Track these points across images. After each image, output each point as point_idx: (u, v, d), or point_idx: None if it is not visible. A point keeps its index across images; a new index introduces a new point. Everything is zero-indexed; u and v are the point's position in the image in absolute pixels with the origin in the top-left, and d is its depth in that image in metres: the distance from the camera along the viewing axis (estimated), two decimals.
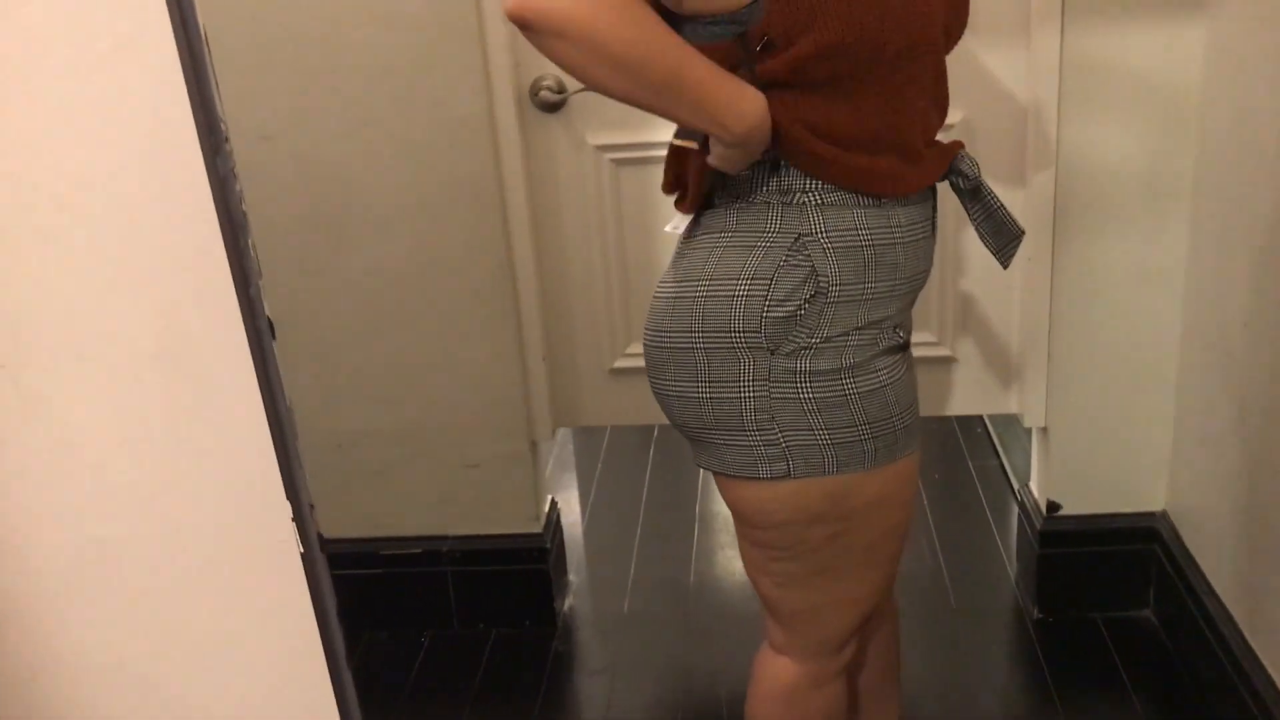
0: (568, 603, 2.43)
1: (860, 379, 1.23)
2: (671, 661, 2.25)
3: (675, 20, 1.17)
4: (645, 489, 2.91)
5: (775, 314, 1.21)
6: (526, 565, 2.32)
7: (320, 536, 0.65)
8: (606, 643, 2.32)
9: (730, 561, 2.57)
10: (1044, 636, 2.21)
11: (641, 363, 2.27)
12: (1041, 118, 1.95)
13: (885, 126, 1.21)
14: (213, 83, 0.56)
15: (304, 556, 0.63)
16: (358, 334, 2.17)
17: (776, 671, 1.45)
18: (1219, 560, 1.97)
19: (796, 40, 1.14)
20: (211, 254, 0.56)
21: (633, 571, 2.54)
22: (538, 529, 2.30)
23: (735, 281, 1.22)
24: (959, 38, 1.31)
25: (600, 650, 2.31)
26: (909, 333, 1.35)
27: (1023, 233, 1.37)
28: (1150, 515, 2.18)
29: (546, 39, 1.08)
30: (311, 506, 0.63)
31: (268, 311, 0.58)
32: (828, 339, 1.21)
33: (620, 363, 2.27)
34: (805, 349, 1.21)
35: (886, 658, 1.64)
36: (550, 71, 2.07)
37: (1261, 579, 1.80)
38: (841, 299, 1.21)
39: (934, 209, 1.33)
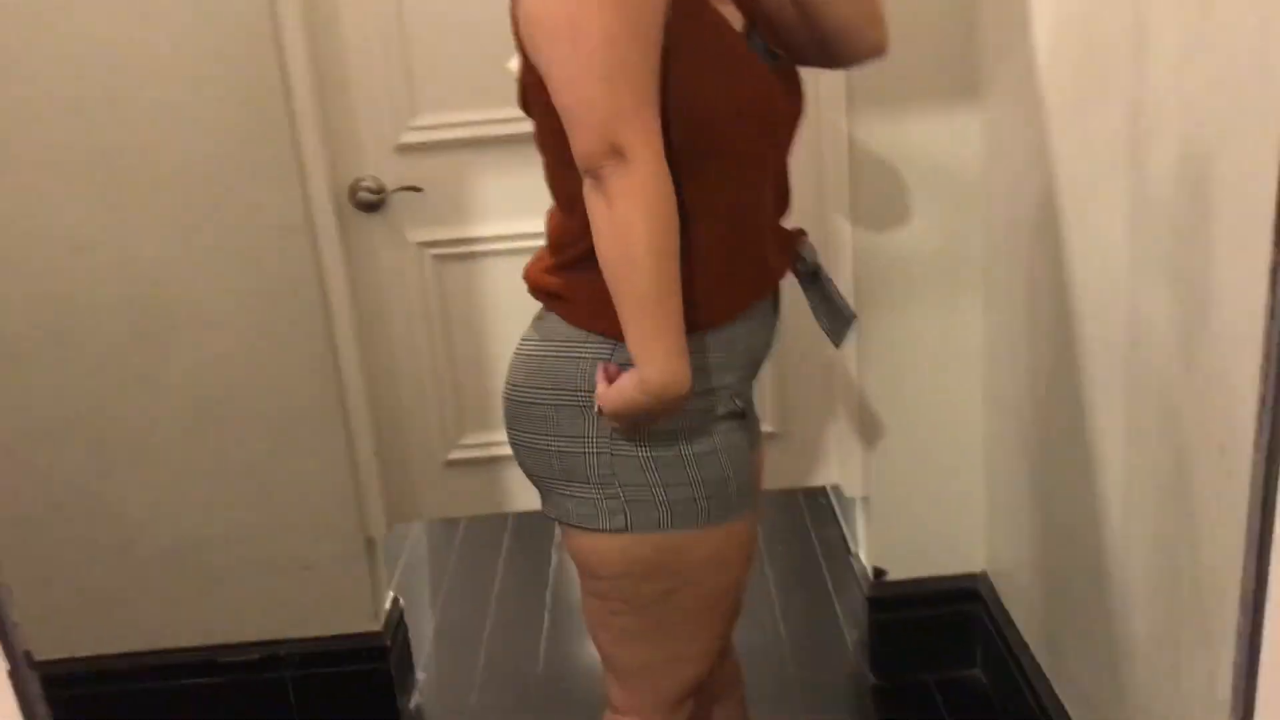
0: (414, 700, 2.40)
1: (696, 441, 1.29)
2: None
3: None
4: (497, 580, 2.90)
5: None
6: (367, 665, 2.29)
7: (28, 654, 0.66)
8: None
9: (578, 647, 2.57)
10: (880, 703, 2.27)
11: (477, 453, 2.30)
12: (835, 200, 2.06)
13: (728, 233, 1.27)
14: None
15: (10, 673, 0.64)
16: (185, 439, 2.15)
17: None
18: (1029, 616, 2.06)
19: None
20: None
21: (481, 664, 2.53)
22: (377, 627, 2.28)
23: (583, 344, 1.28)
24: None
25: None
26: (749, 402, 1.41)
27: (854, 316, 1.48)
28: (972, 577, 2.26)
29: (604, 200, 1.14)
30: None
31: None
32: None
33: (455, 454, 2.29)
34: None
35: None
36: (369, 172, 2.11)
37: (1060, 630, 1.90)
38: None
39: (776, 289, 1.41)
